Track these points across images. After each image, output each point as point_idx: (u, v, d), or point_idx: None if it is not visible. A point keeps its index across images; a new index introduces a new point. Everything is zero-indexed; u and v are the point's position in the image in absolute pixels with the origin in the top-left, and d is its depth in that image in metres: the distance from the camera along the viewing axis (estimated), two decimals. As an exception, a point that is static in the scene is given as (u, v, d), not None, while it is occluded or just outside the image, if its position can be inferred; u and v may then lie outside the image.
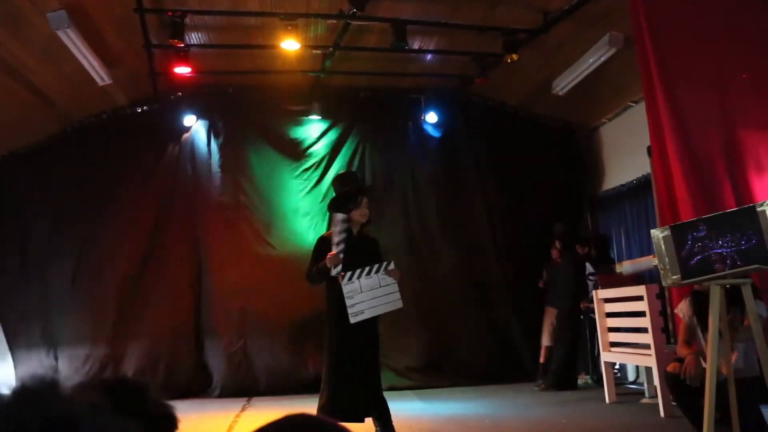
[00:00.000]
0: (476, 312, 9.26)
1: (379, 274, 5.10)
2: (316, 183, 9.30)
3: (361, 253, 5.17)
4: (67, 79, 7.81)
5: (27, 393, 0.69)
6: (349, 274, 5.03)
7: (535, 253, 9.29)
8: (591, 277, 8.31)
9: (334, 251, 5.02)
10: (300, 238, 9.00)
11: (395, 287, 5.15)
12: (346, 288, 5.02)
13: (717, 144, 5.28)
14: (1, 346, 8.49)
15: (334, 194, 5.48)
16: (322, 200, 9.05)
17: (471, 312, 9.23)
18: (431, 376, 8.81)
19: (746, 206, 3.75)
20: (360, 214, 5.21)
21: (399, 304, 5.22)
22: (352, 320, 4.97)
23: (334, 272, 5.03)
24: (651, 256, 6.11)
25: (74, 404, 0.68)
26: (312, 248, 5.46)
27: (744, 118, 5.30)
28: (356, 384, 5.06)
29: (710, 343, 3.64)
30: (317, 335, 8.29)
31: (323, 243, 5.26)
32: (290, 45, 7.34)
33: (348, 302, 4.99)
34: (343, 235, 5.07)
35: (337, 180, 5.63)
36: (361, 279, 5.04)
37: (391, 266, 5.17)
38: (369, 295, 5.06)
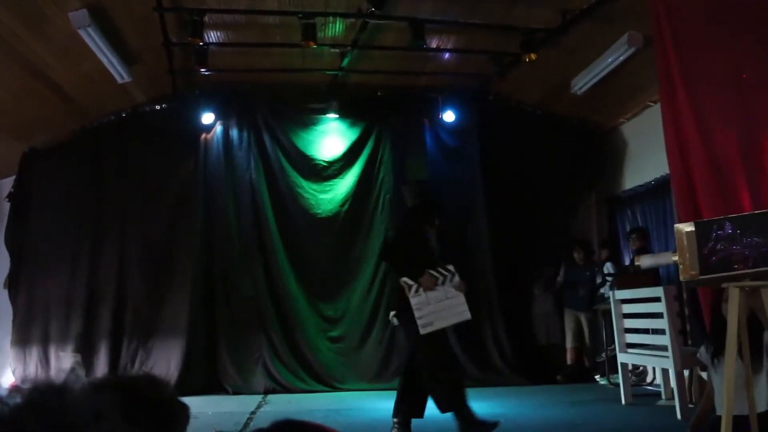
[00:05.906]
0: (491, 314, 9.17)
1: (444, 286, 5.24)
2: (335, 182, 9.27)
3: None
4: (87, 77, 7.88)
5: (33, 400, 0.69)
6: (415, 286, 5.19)
7: (552, 254, 9.26)
8: (608, 278, 8.28)
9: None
10: (317, 238, 9.03)
11: (462, 299, 5.33)
12: (414, 300, 5.20)
13: (736, 144, 5.22)
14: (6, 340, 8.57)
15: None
16: (342, 200, 9.08)
17: (486, 313, 9.15)
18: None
19: None
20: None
21: (467, 315, 5.37)
22: (422, 331, 5.15)
23: (411, 291, 5.23)
24: (672, 252, 6.05)
25: (79, 412, 0.68)
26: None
27: (765, 119, 5.23)
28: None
29: (728, 349, 3.39)
30: (335, 332, 8.35)
31: (413, 240, 5.57)
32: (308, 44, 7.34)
33: (416, 314, 5.18)
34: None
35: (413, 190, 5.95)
36: (427, 292, 5.16)
37: (456, 279, 5.31)
38: (437, 307, 5.23)
